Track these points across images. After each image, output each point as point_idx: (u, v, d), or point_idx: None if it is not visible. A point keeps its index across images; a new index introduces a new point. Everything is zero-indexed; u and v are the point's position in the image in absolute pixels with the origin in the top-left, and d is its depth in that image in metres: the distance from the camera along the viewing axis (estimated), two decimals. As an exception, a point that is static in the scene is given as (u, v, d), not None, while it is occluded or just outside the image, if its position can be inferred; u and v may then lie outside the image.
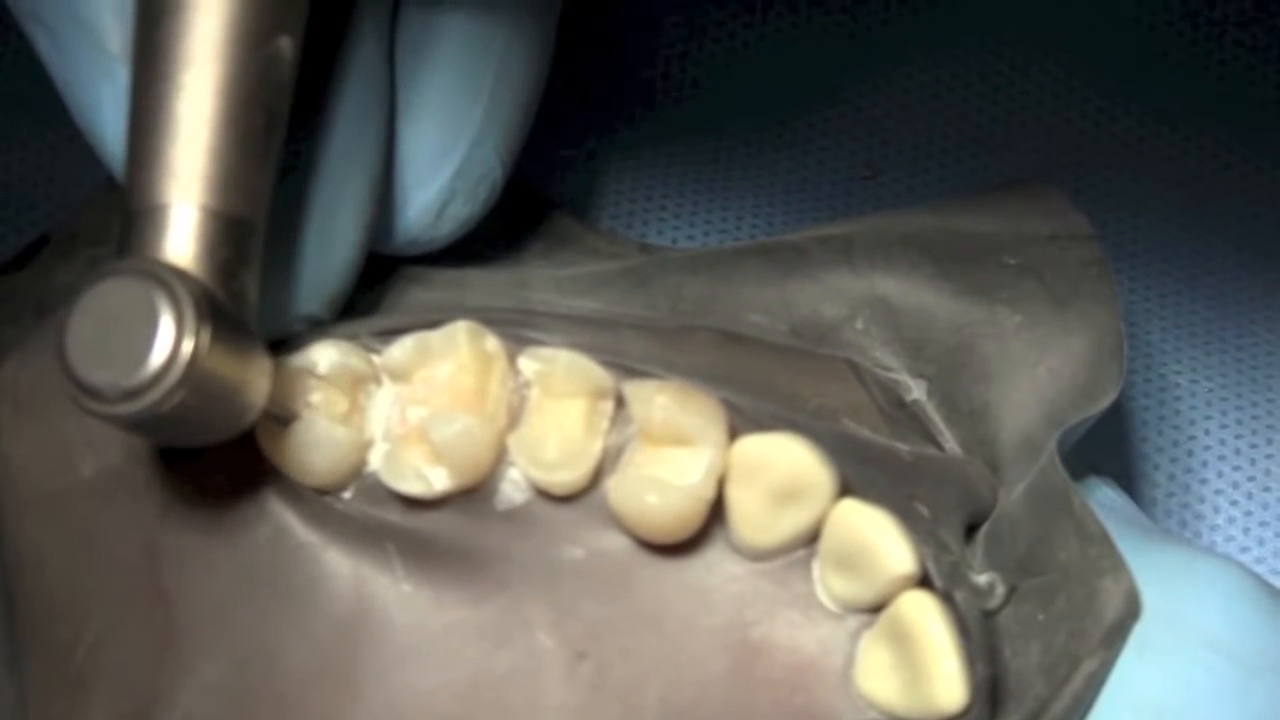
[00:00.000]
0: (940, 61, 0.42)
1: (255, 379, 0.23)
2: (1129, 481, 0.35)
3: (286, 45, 0.24)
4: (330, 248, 0.27)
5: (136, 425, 0.22)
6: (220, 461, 0.25)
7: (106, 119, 0.25)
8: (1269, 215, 0.40)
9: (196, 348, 0.21)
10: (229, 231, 0.23)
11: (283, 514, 0.25)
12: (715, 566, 0.24)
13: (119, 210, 0.32)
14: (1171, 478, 0.37)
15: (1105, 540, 0.24)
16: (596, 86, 0.37)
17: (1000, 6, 0.42)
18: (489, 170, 0.29)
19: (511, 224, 0.31)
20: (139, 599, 0.25)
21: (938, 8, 0.42)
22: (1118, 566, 0.24)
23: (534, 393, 0.25)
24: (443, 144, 0.29)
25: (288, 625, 0.25)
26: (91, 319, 0.21)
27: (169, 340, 0.21)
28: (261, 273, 0.24)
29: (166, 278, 0.21)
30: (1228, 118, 0.41)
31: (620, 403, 0.24)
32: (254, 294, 0.23)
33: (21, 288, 0.32)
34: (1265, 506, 0.36)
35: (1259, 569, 0.35)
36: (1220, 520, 0.36)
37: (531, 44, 0.30)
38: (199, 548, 0.25)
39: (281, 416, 0.24)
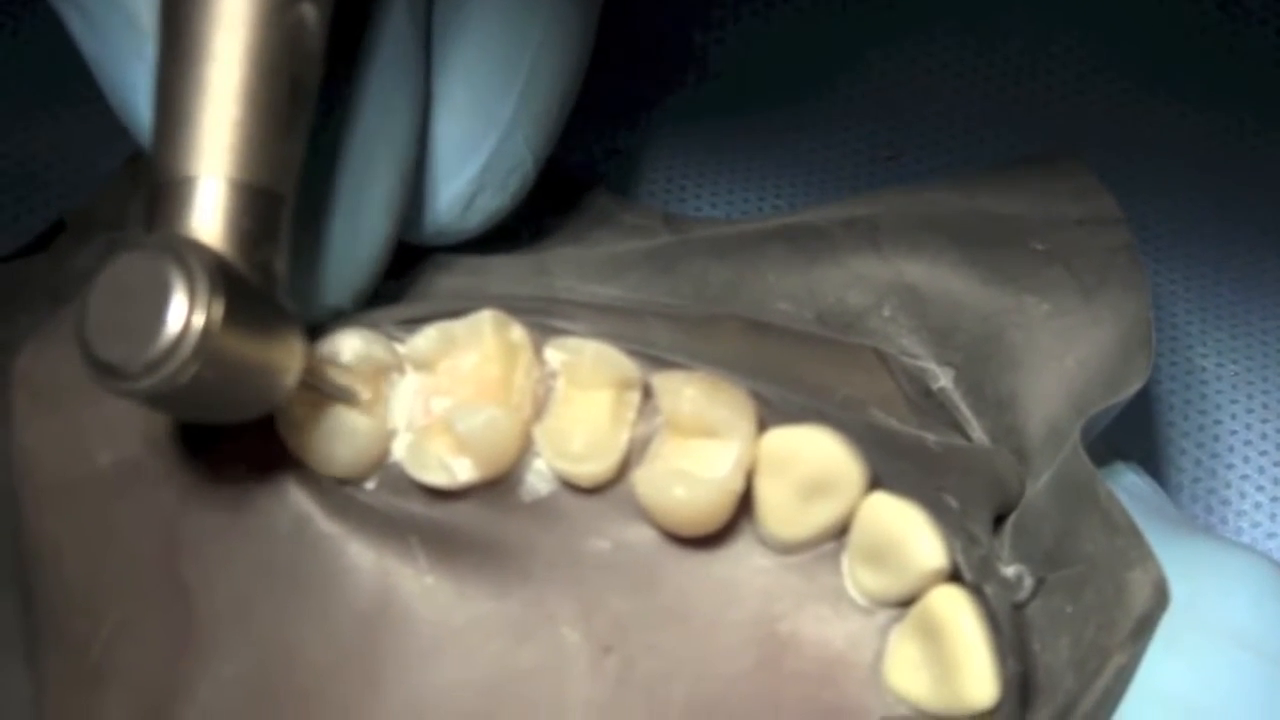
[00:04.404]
0: (963, 42, 0.41)
1: (281, 353, 0.22)
2: (1155, 467, 0.35)
3: (310, 13, 0.23)
4: (359, 238, 0.26)
5: (157, 401, 0.21)
6: (240, 451, 0.25)
7: (140, 97, 0.25)
8: (1295, 198, 0.40)
9: (209, 320, 0.21)
10: (253, 203, 0.22)
11: (304, 504, 0.25)
12: (743, 560, 0.24)
13: (135, 193, 0.32)
14: (1198, 463, 0.36)
15: (1133, 531, 0.24)
16: (619, 68, 0.36)
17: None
18: (519, 162, 0.29)
19: (534, 195, 0.30)
20: (157, 591, 0.25)
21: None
22: (1146, 557, 0.23)
23: (560, 383, 0.24)
24: (473, 135, 0.28)
25: (308, 618, 0.24)
26: (109, 296, 0.21)
27: (181, 313, 0.20)
28: (289, 255, 0.23)
29: (181, 251, 0.21)
30: (1254, 100, 0.41)
31: (647, 394, 0.24)
32: (281, 267, 0.23)
33: (36, 274, 0.31)
34: (1292, 491, 0.36)
35: (1286, 555, 0.35)
36: (1246, 505, 0.36)
37: (570, 36, 0.30)
38: (218, 539, 0.25)
39: (328, 391, 0.24)
